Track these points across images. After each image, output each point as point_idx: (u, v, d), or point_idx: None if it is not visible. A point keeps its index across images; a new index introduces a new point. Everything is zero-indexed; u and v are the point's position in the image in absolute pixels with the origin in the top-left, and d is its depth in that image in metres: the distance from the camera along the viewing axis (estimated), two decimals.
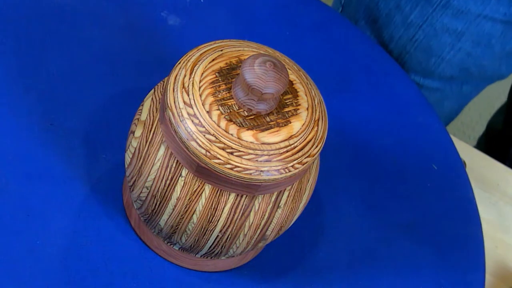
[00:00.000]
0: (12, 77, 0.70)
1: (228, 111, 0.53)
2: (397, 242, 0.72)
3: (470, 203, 0.77)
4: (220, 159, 0.52)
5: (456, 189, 0.77)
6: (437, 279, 0.71)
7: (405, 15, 0.87)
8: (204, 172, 0.54)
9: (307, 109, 0.55)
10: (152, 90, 0.59)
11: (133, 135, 0.58)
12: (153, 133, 0.56)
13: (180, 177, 0.55)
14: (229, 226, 0.57)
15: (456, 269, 0.72)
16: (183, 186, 0.55)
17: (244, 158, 0.52)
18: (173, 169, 0.55)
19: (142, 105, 0.59)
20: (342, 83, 0.81)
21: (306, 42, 0.83)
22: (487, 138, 1.23)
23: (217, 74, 0.55)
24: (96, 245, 0.64)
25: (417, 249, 0.72)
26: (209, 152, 0.52)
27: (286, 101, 0.55)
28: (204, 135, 0.52)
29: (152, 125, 0.57)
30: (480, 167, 0.89)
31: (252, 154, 0.52)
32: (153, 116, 0.57)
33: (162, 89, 0.58)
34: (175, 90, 0.54)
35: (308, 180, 0.59)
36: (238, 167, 0.52)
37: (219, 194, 0.55)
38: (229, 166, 0.52)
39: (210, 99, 0.53)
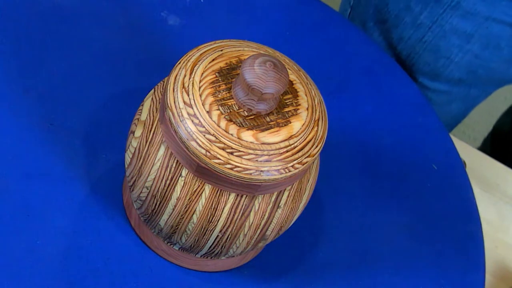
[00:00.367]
0: (12, 77, 0.70)
1: (228, 111, 0.53)
2: (397, 242, 0.72)
3: (470, 203, 0.77)
4: (220, 159, 0.52)
5: (456, 189, 0.77)
6: (437, 279, 0.71)
7: (415, 15, 0.87)
8: (204, 172, 0.54)
9: (307, 109, 0.55)
10: (152, 90, 0.59)
11: (133, 135, 0.58)
12: (153, 133, 0.56)
13: (180, 177, 0.55)
14: (229, 226, 0.57)
15: (456, 269, 0.72)
16: (183, 186, 0.55)
17: (244, 158, 0.52)
18: (173, 169, 0.55)
19: (142, 105, 0.59)
20: (342, 83, 0.81)
21: (306, 42, 0.83)
22: (493, 140, 1.23)
23: (217, 74, 0.55)
24: (96, 245, 0.64)
25: (417, 249, 0.72)
26: (209, 152, 0.52)
27: (286, 101, 0.55)
28: (204, 135, 0.52)
29: (152, 125, 0.57)
30: (480, 167, 0.89)
31: (252, 154, 0.52)
32: (153, 116, 0.57)
33: (162, 89, 0.58)
34: (175, 90, 0.54)
35: (308, 180, 0.59)
36: (238, 167, 0.52)
37: (219, 194, 0.55)
38: (229, 166, 0.52)
39: (210, 99, 0.53)
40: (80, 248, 0.64)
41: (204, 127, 0.52)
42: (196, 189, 0.55)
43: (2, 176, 0.65)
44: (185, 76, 0.54)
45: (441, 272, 0.71)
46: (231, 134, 0.52)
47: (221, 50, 0.56)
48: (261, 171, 0.53)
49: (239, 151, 0.52)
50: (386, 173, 0.76)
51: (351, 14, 0.98)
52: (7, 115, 0.68)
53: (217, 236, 0.58)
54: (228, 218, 0.56)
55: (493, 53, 0.88)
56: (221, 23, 0.81)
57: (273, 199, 0.57)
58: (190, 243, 0.60)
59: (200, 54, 0.56)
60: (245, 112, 0.54)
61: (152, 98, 0.58)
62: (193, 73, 0.54)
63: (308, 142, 0.54)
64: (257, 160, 0.52)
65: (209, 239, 0.58)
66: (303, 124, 0.54)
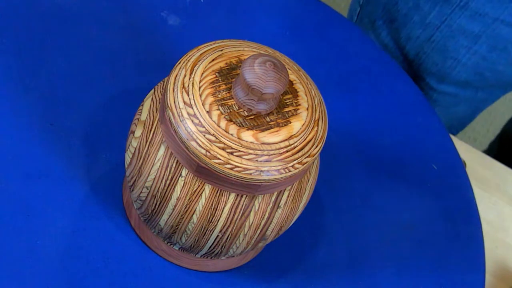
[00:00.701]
0: (12, 77, 0.70)
1: (228, 111, 0.53)
2: (397, 242, 0.72)
3: (470, 203, 0.77)
4: (220, 159, 0.52)
5: (456, 189, 0.77)
6: (437, 279, 0.71)
7: (424, 15, 0.87)
8: (204, 172, 0.54)
9: (307, 109, 0.55)
10: (152, 90, 0.59)
11: (133, 135, 0.58)
12: (153, 133, 0.56)
13: (180, 177, 0.55)
14: (229, 226, 0.57)
15: (456, 269, 0.72)
16: (183, 186, 0.55)
17: (244, 158, 0.52)
18: (173, 169, 0.55)
19: (142, 105, 0.59)
20: (342, 83, 0.81)
21: (306, 42, 0.83)
22: (501, 144, 1.22)
23: (217, 74, 0.55)
24: (96, 245, 0.64)
25: (417, 249, 0.72)
26: (209, 152, 0.52)
27: (286, 101, 0.55)
28: (204, 135, 0.52)
29: (152, 125, 0.57)
30: (480, 167, 0.89)
31: (252, 154, 0.52)
32: (153, 116, 0.57)
33: (162, 89, 0.58)
34: (175, 90, 0.54)
35: (308, 180, 0.59)
36: (238, 167, 0.52)
37: (219, 194, 0.55)
38: (229, 166, 0.52)
39: (210, 99, 0.53)
40: (80, 248, 0.64)
41: (204, 127, 0.52)
42: (196, 189, 0.55)
43: (2, 176, 0.65)
44: (185, 76, 0.54)
45: (441, 272, 0.71)
46: (231, 134, 0.52)
47: (221, 50, 0.56)
48: (261, 171, 0.52)
49: (239, 151, 0.52)
50: (386, 173, 0.76)
51: (360, 13, 0.98)
52: (8, 115, 0.68)
53: (217, 236, 0.58)
54: (228, 218, 0.56)
55: (501, 56, 0.88)
56: (221, 23, 0.81)
57: (273, 199, 0.57)
58: (190, 243, 0.60)
59: (200, 54, 0.56)
60: (245, 112, 0.53)
61: (152, 98, 0.58)
62: (193, 73, 0.54)
63: (308, 142, 0.54)
64: (257, 160, 0.52)
65: (209, 239, 0.58)
66: (303, 124, 0.54)
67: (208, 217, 0.56)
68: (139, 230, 0.65)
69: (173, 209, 0.57)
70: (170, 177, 0.56)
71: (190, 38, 0.78)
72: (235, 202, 0.56)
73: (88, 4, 0.77)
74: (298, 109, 0.55)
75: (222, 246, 0.59)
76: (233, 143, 0.52)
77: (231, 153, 0.52)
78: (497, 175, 0.89)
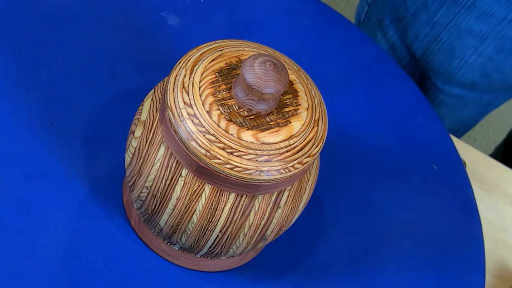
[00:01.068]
0: (12, 77, 0.70)
1: (228, 111, 0.53)
2: (397, 242, 0.72)
3: (470, 203, 0.77)
4: (220, 159, 0.52)
5: (456, 189, 0.77)
6: (437, 279, 0.71)
7: (431, 14, 0.87)
8: (204, 172, 0.53)
9: (307, 109, 0.55)
10: (152, 90, 0.59)
11: (133, 135, 0.58)
12: (153, 133, 0.56)
13: (180, 177, 0.55)
14: (229, 226, 0.57)
15: (456, 269, 0.72)
16: (183, 186, 0.55)
17: (244, 158, 0.52)
18: (173, 169, 0.55)
19: (142, 105, 0.59)
20: (342, 83, 0.81)
21: (306, 42, 0.83)
22: (506, 148, 1.22)
23: (217, 74, 0.55)
24: (96, 245, 0.64)
25: (417, 249, 0.72)
26: (209, 152, 0.52)
27: (286, 101, 0.55)
28: (204, 135, 0.52)
29: (152, 125, 0.57)
30: (480, 167, 0.89)
31: (252, 154, 0.52)
32: (153, 116, 0.57)
33: (162, 89, 0.58)
34: (175, 90, 0.54)
35: (308, 180, 0.59)
36: (238, 167, 0.52)
37: (219, 194, 0.55)
38: (229, 166, 0.52)
39: (210, 99, 0.53)
40: (80, 248, 0.64)
41: (204, 127, 0.52)
42: (196, 189, 0.55)
43: (2, 176, 0.65)
44: (185, 76, 0.54)
45: (441, 272, 0.71)
46: (231, 134, 0.52)
47: (221, 50, 0.56)
48: (261, 171, 0.52)
49: (239, 151, 0.52)
50: (386, 173, 0.76)
51: (368, 11, 0.98)
52: (8, 115, 0.68)
53: (217, 236, 0.58)
54: (228, 218, 0.56)
55: (507, 57, 0.87)
56: (221, 23, 0.81)
57: (273, 199, 0.57)
58: (190, 243, 0.60)
59: (200, 54, 0.56)
60: (245, 112, 0.53)
61: (152, 98, 0.58)
62: (193, 73, 0.54)
63: (308, 142, 0.54)
64: (257, 160, 0.52)
65: (209, 239, 0.58)
66: (303, 124, 0.54)
67: (208, 217, 0.56)
68: (139, 230, 0.65)
69: (173, 209, 0.57)
70: (170, 177, 0.56)
71: (190, 38, 0.78)
72: (235, 202, 0.56)
73: (88, 4, 0.77)
74: (298, 109, 0.55)
75: (222, 246, 0.59)
76: (233, 143, 0.52)
77: (231, 153, 0.52)
78: (497, 175, 0.89)
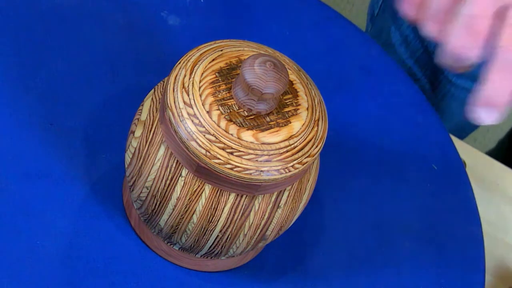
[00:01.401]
0: (12, 77, 0.70)
1: (228, 111, 0.53)
2: (397, 242, 0.72)
3: (470, 203, 0.77)
4: (220, 159, 0.52)
5: (456, 189, 0.77)
6: (437, 279, 0.71)
7: None
8: (204, 172, 0.53)
9: (307, 109, 0.55)
10: (152, 90, 0.59)
11: (133, 135, 0.58)
12: (153, 133, 0.56)
13: (180, 177, 0.55)
14: (229, 226, 0.57)
15: (456, 269, 0.72)
16: (183, 186, 0.55)
17: (244, 158, 0.52)
18: (173, 169, 0.55)
19: (142, 105, 0.59)
20: (342, 83, 0.81)
21: (306, 42, 0.83)
22: (507, 148, 1.22)
23: (217, 74, 0.55)
24: (96, 245, 0.64)
25: (417, 249, 0.72)
26: (209, 152, 0.52)
27: (286, 101, 0.55)
28: (204, 135, 0.52)
29: (152, 125, 0.57)
30: (480, 167, 0.89)
31: (252, 154, 0.52)
32: (153, 116, 0.57)
33: (162, 89, 0.58)
34: (175, 90, 0.54)
35: (308, 180, 0.59)
36: (238, 167, 0.52)
37: (219, 194, 0.55)
38: (229, 166, 0.52)
39: (210, 99, 0.53)
40: (80, 248, 0.64)
41: (204, 127, 0.52)
42: (196, 189, 0.55)
43: (2, 176, 0.65)
44: (185, 76, 0.54)
45: (441, 272, 0.71)
46: (231, 134, 0.52)
47: (221, 50, 0.56)
48: (261, 171, 0.52)
49: (239, 151, 0.52)
50: (386, 173, 0.76)
51: (382, 5, 0.98)
52: (7, 115, 0.68)
53: (217, 236, 0.58)
54: (228, 218, 0.56)
55: None
56: (221, 23, 0.81)
57: (273, 199, 0.57)
58: (190, 243, 0.60)
59: (200, 54, 0.56)
60: (245, 112, 0.53)
61: (152, 98, 0.58)
62: (193, 73, 0.54)
63: (308, 142, 0.54)
64: (257, 160, 0.52)
65: (209, 239, 0.58)
66: (303, 124, 0.54)
67: (208, 217, 0.56)
68: (139, 230, 0.65)
69: (173, 209, 0.57)
70: (170, 177, 0.56)
71: (190, 38, 0.78)
72: (235, 202, 0.56)
73: (88, 4, 0.77)
74: (298, 109, 0.55)
75: (222, 246, 0.59)
76: (233, 143, 0.52)
77: (231, 153, 0.52)
78: (497, 175, 0.89)
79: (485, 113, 0.47)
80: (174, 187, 0.56)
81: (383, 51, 0.85)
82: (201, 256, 0.62)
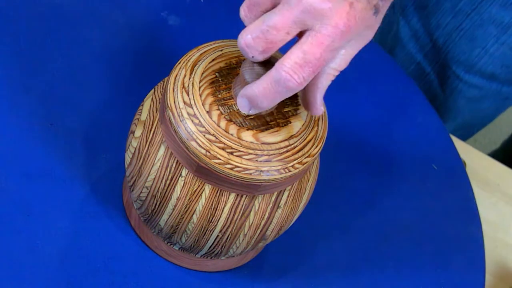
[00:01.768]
0: (12, 77, 0.70)
1: (228, 111, 0.53)
2: (397, 242, 0.72)
3: (470, 203, 0.77)
4: (220, 159, 0.52)
5: (456, 189, 0.77)
6: (437, 279, 0.71)
7: (455, 2, 0.87)
8: (204, 172, 0.53)
9: None
10: (152, 90, 0.59)
11: (133, 135, 0.58)
12: (153, 133, 0.56)
13: (180, 177, 0.55)
14: (229, 226, 0.57)
15: (456, 269, 0.72)
16: (183, 186, 0.55)
17: (244, 158, 0.52)
18: (173, 169, 0.55)
19: (142, 105, 0.59)
20: (342, 83, 0.80)
21: None
22: (508, 149, 1.22)
23: (217, 74, 0.55)
24: (96, 245, 0.64)
25: (417, 249, 0.72)
26: (209, 152, 0.52)
27: (286, 101, 0.55)
28: (204, 135, 0.52)
29: (152, 125, 0.57)
30: (480, 167, 0.89)
31: (252, 154, 0.52)
32: (153, 116, 0.57)
33: (162, 89, 0.58)
34: (175, 90, 0.54)
35: (308, 180, 0.59)
36: (238, 167, 0.52)
37: (219, 194, 0.55)
38: (229, 166, 0.52)
39: (210, 99, 0.53)
40: (80, 248, 0.64)
41: (204, 127, 0.52)
42: (196, 189, 0.55)
43: (2, 176, 0.65)
44: (185, 76, 0.54)
45: (441, 272, 0.71)
46: (231, 134, 0.52)
47: (221, 50, 0.56)
48: (261, 171, 0.52)
49: (239, 151, 0.52)
50: (386, 173, 0.76)
51: None
52: (7, 115, 0.68)
53: (217, 236, 0.58)
54: (228, 218, 0.56)
55: None
56: (221, 23, 0.81)
57: (273, 199, 0.57)
58: (190, 243, 0.60)
59: (200, 54, 0.56)
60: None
61: (152, 98, 0.58)
62: (193, 73, 0.54)
63: (308, 142, 0.54)
64: (257, 160, 0.52)
65: (209, 239, 0.58)
66: (303, 124, 0.54)
67: (208, 217, 0.56)
68: (139, 230, 0.65)
69: (173, 209, 0.57)
70: (170, 177, 0.56)
71: (190, 38, 0.78)
72: (235, 202, 0.56)
73: (88, 4, 0.77)
74: (298, 109, 0.55)
75: (222, 246, 0.59)
76: (233, 143, 0.52)
77: (231, 153, 0.52)
78: (497, 175, 0.89)
79: (243, 103, 0.51)
80: (174, 187, 0.56)
81: (383, 51, 0.85)
82: (201, 256, 0.62)
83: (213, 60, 0.55)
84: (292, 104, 0.55)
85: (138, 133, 0.58)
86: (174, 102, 0.53)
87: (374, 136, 0.78)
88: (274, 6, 0.49)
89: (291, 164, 0.53)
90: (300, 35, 0.49)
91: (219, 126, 0.52)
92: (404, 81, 0.83)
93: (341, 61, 0.51)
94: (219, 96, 0.53)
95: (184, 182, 0.55)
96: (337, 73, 0.52)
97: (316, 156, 0.55)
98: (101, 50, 0.75)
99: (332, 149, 0.72)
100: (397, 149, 0.78)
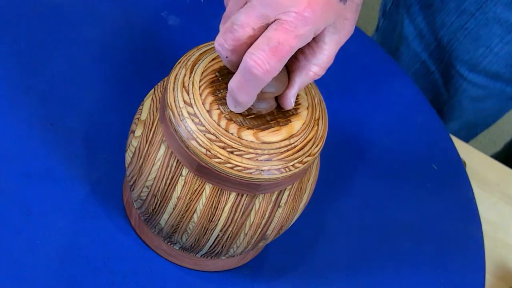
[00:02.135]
0: (12, 77, 0.70)
1: (228, 110, 0.53)
2: (397, 242, 0.72)
3: (470, 203, 0.77)
4: (220, 158, 0.52)
5: (456, 189, 0.77)
6: (437, 279, 0.71)
7: (460, 1, 0.87)
8: (204, 171, 0.53)
9: (307, 108, 0.55)
10: (152, 90, 0.59)
11: (133, 134, 0.58)
12: (154, 133, 0.56)
13: (180, 177, 0.55)
14: (229, 225, 0.57)
15: (456, 269, 0.72)
16: (183, 186, 0.55)
17: (245, 157, 0.52)
18: (173, 168, 0.55)
19: (142, 105, 0.59)
20: (342, 83, 0.81)
21: None
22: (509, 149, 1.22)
23: (217, 73, 0.54)
24: (96, 245, 0.64)
25: (417, 249, 0.72)
26: (210, 151, 0.52)
27: None
28: (204, 134, 0.52)
29: (153, 124, 0.57)
30: (480, 167, 0.89)
31: (252, 153, 0.52)
32: (153, 115, 0.57)
33: (162, 88, 0.58)
34: (175, 89, 0.54)
35: (309, 180, 0.59)
36: (239, 166, 0.52)
37: (219, 194, 0.55)
38: (229, 165, 0.52)
39: (210, 98, 0.53)
40: (80, 248, 0.63)
41: (204, 126, 0.52)
42: (197, 188, 0.55)
43: (2, 176, 0.65)
44: (185, 75, 0.54)
45: (441, 272, 0.71)
46: (231, 133, 0.52)
47: None
48: (261, 170, 0.52)
49: (240, 150, 0.52)
50: (386, 173, 0.76)
51: None
52: (7, 115, 0.68)
53: (218, 235, 0.58)
54: (228, 217, 0.56)
55: None
56: None
57: (273, 198, 0.57)
58: (190, 243, 0.60)
59: (200, 54, 0.56)
60: (245, 111, 0.53)
61: (152, 98, 0.58)
62: (193, 73, 0.54)
63: (309, 141, 0.54)
64: (257, 159, 0.52)
65: (209, 239, 0.58)
66: (304, 123, 0.54)
67: (209, 217, 0.56)
68: (139, 229, 0.65)
69: (174, 209, 0.57)
70: (170, 176, 0.56)
71: (190, 38, 0.78)
72: (235, 202, 0.56)
73: (88, 4, 0.77)
74: (298, 108, 0.55)
75: (222, 246, 0.59)
76: (233, 142, 0.52)
77: (232, 152, 0.52)
78: (497, 175, 0.89)
79: (228, 101, 0.52)
80: (175, 186, 0.56)
81: (383, 51, 0.85)
82: (201, 255, 0.62)
83: (213, 59, 0.55)
84: None
85: (138, 132, 0.58)
86: (174, 101, 0.53)
87: (374, 136, 0.78)
88: None
89: (292, 163, 0.53)
90: None
91: (219, 125, 0.52)
92: (404, 81, 0.84)
93: (323, 56, 0.52)
94: (219, 95, 0.53)
95: (185, 181, 0.55)
96: (317, 69, 0.52)
97: (317, 155, 0.55)
98: (101, 50, 0.75)
99: (333, 149, 0.72)
100: (397, 149, 0.78)
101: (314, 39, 0.51)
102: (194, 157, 0.53)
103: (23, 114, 0.69)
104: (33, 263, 0.62)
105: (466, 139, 1.04)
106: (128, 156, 0.59)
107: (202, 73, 0.54)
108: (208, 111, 0.53)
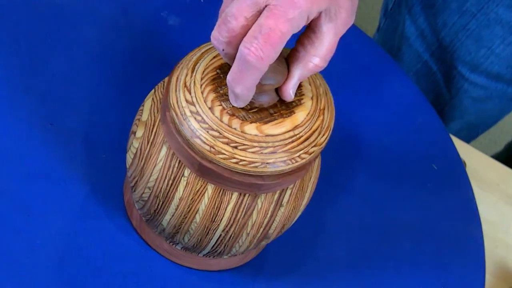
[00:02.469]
0: (12, 77, 0.70)
1: (230, 105, 0.53)
2: (397, 242, 0.72)
3: (470, 203, 0.77)
4: (225, 154, 0.52)
5: (456, 189, 0.77)
6: (437, 279, 0.71)
7: (462, 2, 0.87)
8: (206, 171, 0.53)
9: (312, 98, 0.54)
10: (153, 91, 0.59)
11: (134, 135, 0.58)
12: (155, 134, 0.56)
13: (182, 177, 0.55)
14: (232, 225, 0.57)
15: (456, 269, 0.72)
16: (185, 186, 0.55)
17: (249, 151, 0.52)
18: (175, 169, 0.55)
19: (143, 106, 0.59)
20: (342, 83, 0.81)
21: None
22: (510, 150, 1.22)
23: (218, 70, 0.54)
24: (97, 245, 0.64)
25: (417, 249, 0.72)
26: (214, 148, 0.52)
27: None
28: (207, 131, 0.52)
29: (154, 125, 0.57)
30: (480, 167, 0.89)
31: (257, 147, 0.52)
32: (154, 116, 0.57)
33: (163, 89, 0.58)
34: (177, 89, 0.53)
35: (310, 178, 0.59)
36: (244, 160, 0.52)
37: (221, 194, 0.55)
38: (234, 160, 0.52)
39: (212, 95, 0.53)
40: (80, 248, 0.63)
41: (207, 123, 0.52)
42: (199, 189, 0.55)
43: (2, 176, 0.65)
44: (186, 75, 0.54)
45: (441, 272, 0.71)
46: (234, 128, 0.52)
47: None
48: (267, 163, 0.52)
49: (244, 144, 0.52)
50: (386, 173, 0.76)
51: None
52: (7, 115, 0.68)
53: (220, 235, 0.57)
54: (231, 217, 0.56)
55: None
56: None
57: (275, 197, 0.56)
58: (193, 243, 0.59)
59: (202, 53, 0.56)
60: (247, 105, 0.53)
61: (152, 98, 0.58)
62: (195, 72, 0.54)
63: (314, 132, 0.54)
64: (262, 153, 0.52)
65: (212, 239, 0.58)
66: (308, 113, 0.54)
67: (211, 217, 0.56)
68: (140, 230, 0.65)
69: (176, 209, 0.57)
70: (172, 177, 0.55)
71: (190, 38, 0.78)
72: (237, 201, 0.55)
73: (88, 4, 0.77)
74: (302, 99, 0.54)
75: (225, 245, 0.59)
76: (237, 137, 0.52)
77: (236, 147, 0.52)
78: (497, 175, 0.89)
79: (231, 95, 0.51)
80: (177, 187, 0.55)
81: (383, 51, 0.86)
82: (203, 255, 0.62)
83: (214, 57, 0.55)
84: (295, 94, 0.54)
85: (139, 133, 0.58)
86: (177, 101, 0.53)
87: (375, 136, 0.78)
88: None
89: (297, 154, 0.53)
90: None
91: (222, 121, 0.52)
92: (404, 81, 0.84)
93: (321, 47, 0.51)
94: (221, 91, 0.53)
95: (187, 182, 0.55)
96: (318, 61, 0.52)
97: (323, 145, 0.54)
98: (101, 50, 0.75)
99: (333, 148, 0.72)
100: (397, 149, 0.78)
101: (311, 29, 0.51)
102: (196, 156, 0.53)
103: (23, 114, 0.68)
104: (33, 263, 0.62)
105: (467, 139, 1.04)
106: (129, 157, 0.59)
107: (204, 71, 0.54)
108: (210, 108, 0.52)
